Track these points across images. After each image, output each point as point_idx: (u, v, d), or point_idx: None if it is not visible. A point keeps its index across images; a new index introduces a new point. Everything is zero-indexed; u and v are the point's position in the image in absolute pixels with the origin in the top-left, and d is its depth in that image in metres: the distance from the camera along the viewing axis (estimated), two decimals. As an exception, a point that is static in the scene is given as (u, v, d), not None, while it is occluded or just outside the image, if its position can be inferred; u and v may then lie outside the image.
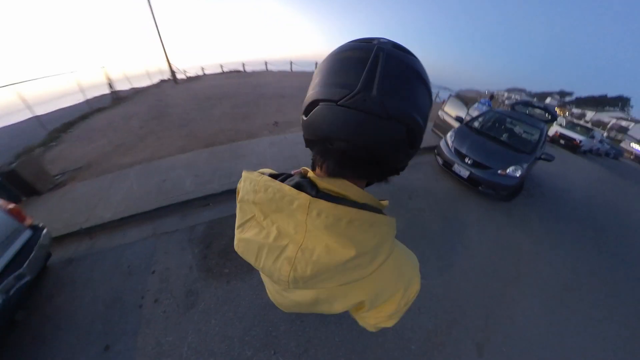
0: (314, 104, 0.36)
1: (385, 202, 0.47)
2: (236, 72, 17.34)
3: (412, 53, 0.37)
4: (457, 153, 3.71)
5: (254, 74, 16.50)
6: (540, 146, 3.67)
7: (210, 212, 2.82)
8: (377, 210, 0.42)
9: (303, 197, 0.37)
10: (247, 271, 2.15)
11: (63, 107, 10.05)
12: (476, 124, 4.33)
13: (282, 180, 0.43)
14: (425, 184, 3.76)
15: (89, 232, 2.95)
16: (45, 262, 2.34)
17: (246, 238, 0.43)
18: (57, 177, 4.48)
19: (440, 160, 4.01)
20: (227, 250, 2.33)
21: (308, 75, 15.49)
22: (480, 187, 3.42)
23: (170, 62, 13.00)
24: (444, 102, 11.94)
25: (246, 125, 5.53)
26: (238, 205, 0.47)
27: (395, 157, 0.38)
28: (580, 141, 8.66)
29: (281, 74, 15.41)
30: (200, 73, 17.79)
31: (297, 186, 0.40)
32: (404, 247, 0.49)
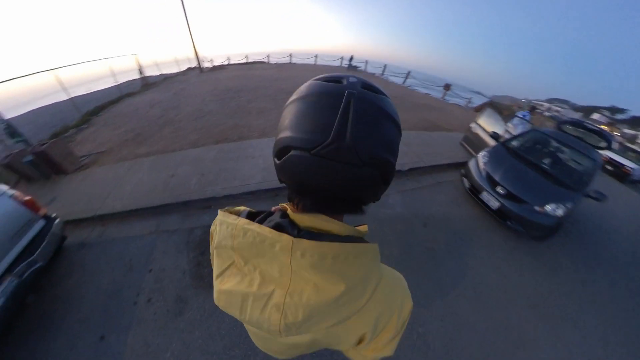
0: (286, 149, 0.36)
1: (364, 229, 0.48)
2: (260, 63, 17.54)
3: (381, 91, 0.38)
4: (489, 179, 3.21)
5: (277, 66, 16.55)
6: (592, 181, 3.02)
7: (210, 216, 2.83)
8: (360, 239, 0.43)
9: (285, 239, 0.37)
10: None
11: (97, 90, 10.90)
12: (515, 143, 3.73)
13: (261, 221, 0.43)
14: (445, 209, 3.37)
15: (101, 219, 3.14)
16: (56, 249, 2.50)
17: (227, 290, 0.40)
18: (82, 159, 4.85)
19: (467, 184, 3.54)
20: None
21: (330, 70, 15.19)
22: (509, 222, 2.94)
23: (197, 50, 13.45)
24: (477, 112, 10.96)
25: (261, 121, 5.50)
26: (214, 252, 0.44)
27: (370, 194, 0.40)
28: (632, 169, 7.54)
29: (304, 68, 15.25)
30: (225, 62, 18.26)
31: (277, 227, 0.40)
32: (389, 270, 0.49)
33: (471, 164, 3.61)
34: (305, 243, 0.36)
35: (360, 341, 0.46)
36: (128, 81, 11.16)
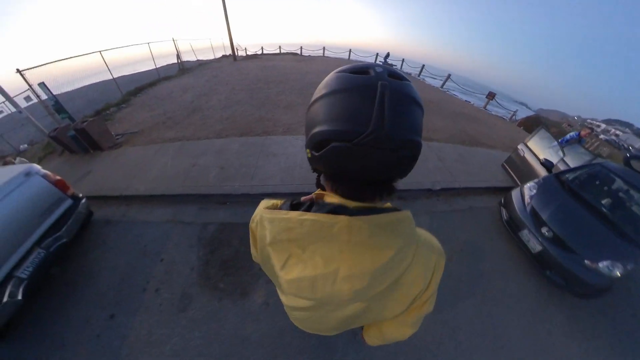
0: (326, 142, 0.39)
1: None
2: (292, 55, 17.55)
3: (405, 77, 0.42)
4: (534, 216, 2.73)
5: (309, 58, 16.43)
6: None
7: (225, 213, 2.82)
8: (397, 210, 0.48)
9: (342, 219, 0.42)
10: (241, 295, 2.06)
11: (139, 72, 11.71)
12: (571, 177, 3.10)
13: (308, 210, 0.46)
14: (475, 239, 2.95)
15: (125, 199, 3.30)
16: (81, 227, 2.64)
17: (295, 278, 0.45)
18: (117, 137, 5.19)
19: (505, 215, 3.10)
20: (228, 263, 2.31)
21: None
22: (548, 272, 2.46)
23: (232, 38, 13.78)
24: (521, 127, 9.80)
25: (287, 117, 5.39)
26: (269, 248, 0.48)
27: (402, 172, 0.44)
28: None
29: (336, 62, 14.91)
30: (258, 51, 18.59)
31: (332, 212, 0.44)
32: (423, 231, 0.56)
33: (514, 194, 3.15)
34: (360, 219, 0.42)
35: (412, 301, 0.53)
36: (167, 65, 11.82)
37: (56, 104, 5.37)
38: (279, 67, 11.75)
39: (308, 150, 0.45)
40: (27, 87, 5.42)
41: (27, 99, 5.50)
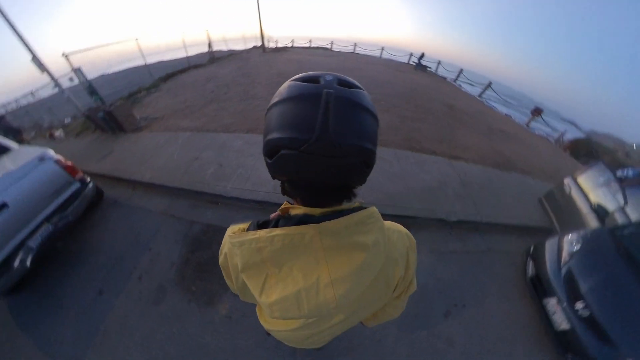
0: (276, 149, 0.41)
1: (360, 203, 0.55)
2: (322, 49, 17.42)
3: (356, 85, 0.44)
4: (570, 282, 2.10)
5: (339, 54, 16.18)
6: None
7: (213, 214, 2.87)
8: (363, 208, 0.49)
9: (311, 227, 0.43)
10: (207, 303, 2.11)
11: (172, 59, 12.51)
12: (630, 234, 2.29)
13: (276, 225, 0.47)
14: (484, 294, 2.35)
15: (133, 184, 3.55)
16: (87, 208, 2.90)
17: (277, 300, 0.43)
18: (140, 121, 5.62)
19: (531, 270, 2.43)
20: (203, 267, 2.35)
21: (396, 67, 14.05)
22: (570, 356, 1.95)
23: (263, 30, 14.02)
24: (567, 151, 8.19)
25: None
26: (242, 275, 0.47)
27: (357, 179, 0.46)
28: None
29: (367, 60, 14.48)
30: (288, 44, 18.73)
31: (299, 222, 0.45)
32: (387, 222, 0.58)
33: (549, 246, 2.43)
34: (329, 224, 0.43)
35: (395, 287, 0.57)
36: (199, 54, 12.44)
37: (89, 87, 5.91)
38: (306, 62, 11.72)
39: (265, 158, 0.46)
40: (71, 69, 6.04)
41: (71, 79, 6.15)
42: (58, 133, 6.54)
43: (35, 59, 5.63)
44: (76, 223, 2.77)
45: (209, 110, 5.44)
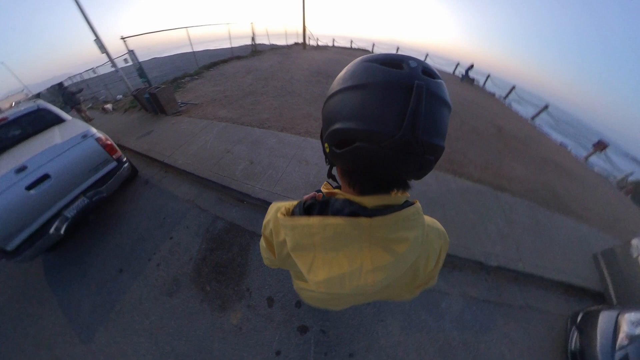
0: (350, 141, 0.39)
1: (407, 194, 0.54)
2: (362, 51, 17.06)
3: (437, 74, 0.41)
4: None
5: (379, 57, 15.73)
6: None
7: (238, 212, 2.79)
8: (410, 203, 0.51)
9: (364, 222, 0.45)
10: (220, 307, 2.02)
11: (217, 49, 13.06)
12: None
13: (323, 210, 0.51)
14: (511, 358, 2.02)
15: (165, 166, 3.62)
16: (121, 185, 3.00)
17: (324, 279, 0.47)
18: (180, 106, 5.84)
19: (574, 343, 2.04)
20: (220, 269, 2.27)
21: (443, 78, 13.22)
22: None
23: (306, 27, 14.06)
24: (628, 195, 6.74)
25: None
26: (292, 254, 0.50)
27: (420, 176, 0.45)
28: None
29: None
30: (329, 43, 18.65)
31: (352, 214, 0.47)
32: (428, 218, 0.61)
33: (603, 319, 2.02)
34: (378, 220, 0.45)
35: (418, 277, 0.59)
36: (243, 46, 12.82)
37: (140, 69, 6.25)
38: (345, 63, 11.47)
39: (327, 145, 0.46)
40: (127, 51, 6.46)
41: (126, 60, 6.59)
42: (109, 107, 7.09)
43: (98, 40, 6.12)
44: (110, 198, 2.87)
45: (246, 103, 5.47)
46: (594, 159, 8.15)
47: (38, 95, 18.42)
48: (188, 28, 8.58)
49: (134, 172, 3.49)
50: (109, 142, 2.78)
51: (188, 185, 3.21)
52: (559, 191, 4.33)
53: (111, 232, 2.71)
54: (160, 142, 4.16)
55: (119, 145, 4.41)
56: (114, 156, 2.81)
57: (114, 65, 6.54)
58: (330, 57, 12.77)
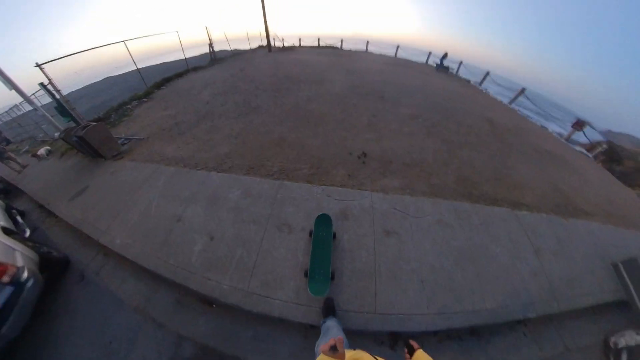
0: None
1: None
2: (331, 49, 16.27)
3: None
4: None
5: (350, 53, 15.01)
6: None
7: (208, 324, 1.95)
8: None
9: None
10: None
11: (174, 60, 11.65)
12: None
13: None
14: None
15: (103, 247, 2.69)
16: (33, 313, 2.07)
17: None
18: (123, 143, 4.77)
19: None
20: None
21: (419, 69, 12.82)
22: None
23: (269, 28, 13.02)
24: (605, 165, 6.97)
25: (317, 141, 4.19)
26: None
27: None
28: None
29: (384, 60, 13.20)
30: (296, 43, 17.65)
31: None
32: None
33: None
34: None
35: None
36: (199, 55, 11.56)
37: (58, 107, 5.04)
38: (315, 63, 10.68)
39: None
40: (48, 81, 5.20)
41: (50, 95, 5.31)
42: (42, 152, 5.73)
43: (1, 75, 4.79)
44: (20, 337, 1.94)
45: (201, 131, 4.52)
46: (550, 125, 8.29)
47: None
48: (127, 42, 7.28)
49: (64, 264, 2.62)
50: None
51: (134, 281, 2.34)
52: (564, 188, 4.21)
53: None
54: (95, 206, 3.18)
55: (48, 212, 3.48)
56: (2, 280, 1.86)
57: (30, 103, 5.28)
58: (298, 58, 11.87)
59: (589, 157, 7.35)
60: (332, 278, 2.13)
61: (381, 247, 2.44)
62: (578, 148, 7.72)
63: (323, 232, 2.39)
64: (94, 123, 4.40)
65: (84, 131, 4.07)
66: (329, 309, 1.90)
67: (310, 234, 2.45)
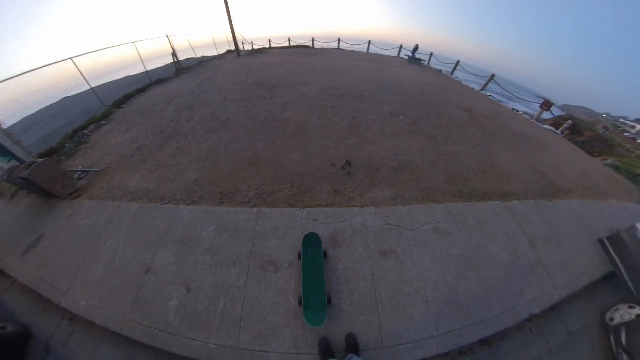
0: None
1: None
2: (303, 48, 15.93)
3: None
4: None
5: (322, 51, 14.75)
6: None
7: None
8: None
9: None
10: None
11: (132, 74, 10.76)
12: None
13: None
14: None
15: (67, 312, 2.26)
16: None
17: None
18: (80, 177, 4.22)
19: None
20: None
21: (390, 62, 12.81)
22: None
23: (235, 31, 12.42)
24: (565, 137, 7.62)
25: (296, 155, 3.86)
26: None
27: None
28: None
29: (357, 57, 13.03)
30: (266, 45, 17.09)
31: None
32: None
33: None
34: None
35: None
36: (163, 66, 10.78)
37: None
38: (287, 64, 10.30)
39: None
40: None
41: None
42: None
43: None
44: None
45: (165, 155, 4.08)
46: (516, 105, 8.82)
47: None
48: (74, 58, 6.52)
49: (24, 336, 2.18)
50: None
51: (110, 348, 1.96)
52: (543, 169, 4.33)
53: None
54: (52, 260, 2.72)
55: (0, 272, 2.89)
56: None
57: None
58: (269, 60, 11.43)
59: (557, 133, 7.74)
60: (329, 301, 1.95)
61: (379, 272, 2.25)
62: (547, 126, 8.13)
63: (312, 253, 2.20)
64: (40, 160, 3.83)
65: (27, 171, 3.51)
66: (327, 351, 1.70)
67: (299, 256, 2.24)
